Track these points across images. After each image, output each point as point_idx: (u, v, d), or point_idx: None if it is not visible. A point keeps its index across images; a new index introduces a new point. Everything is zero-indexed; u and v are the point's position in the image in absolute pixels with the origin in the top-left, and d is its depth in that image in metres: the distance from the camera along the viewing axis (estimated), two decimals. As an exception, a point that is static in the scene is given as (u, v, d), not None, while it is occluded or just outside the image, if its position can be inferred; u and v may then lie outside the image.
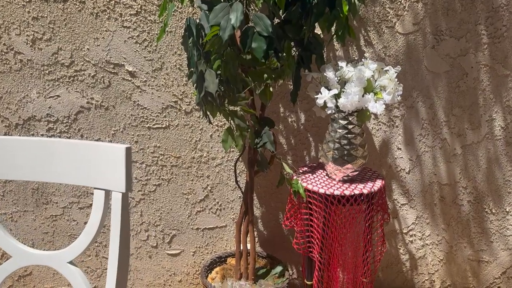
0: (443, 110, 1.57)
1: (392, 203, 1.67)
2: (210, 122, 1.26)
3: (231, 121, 1.22)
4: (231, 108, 1.22)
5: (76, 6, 1.43)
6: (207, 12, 1.12)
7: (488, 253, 1.72)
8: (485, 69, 1.53)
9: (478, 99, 1.57)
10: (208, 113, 1.22)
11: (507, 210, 1.67)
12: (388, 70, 1.21)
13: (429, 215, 1.68)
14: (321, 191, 1.25)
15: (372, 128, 1.59)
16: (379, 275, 1.73)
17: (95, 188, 0.85)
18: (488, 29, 1.49)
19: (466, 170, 1.63)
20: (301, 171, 1.42)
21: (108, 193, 0.84)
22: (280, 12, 1.18)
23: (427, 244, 1.71)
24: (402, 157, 1.62)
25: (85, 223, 1.60)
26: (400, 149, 1.61)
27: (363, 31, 1.49)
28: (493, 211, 1.67)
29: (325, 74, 1.20)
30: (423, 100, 1.56)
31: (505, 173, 1.63)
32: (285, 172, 1.32)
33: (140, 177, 1.58)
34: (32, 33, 1.44)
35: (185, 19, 1.35)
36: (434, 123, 1.59)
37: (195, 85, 1.19)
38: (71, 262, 0.86)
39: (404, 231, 1.69)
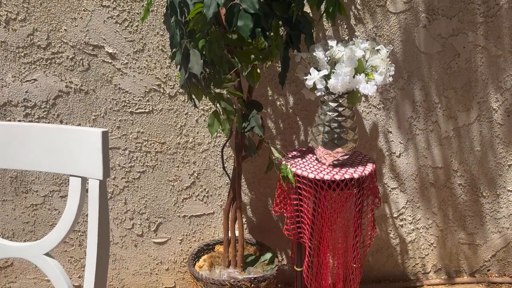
0: (434, 91, 1.54)
1: (382, 187, 1.64)
2: (195, 106, 1.21)
3: (217, 104, 1.17)
4: (217, 90, 1.17)
5: (52, -16, 1.35)
6: (189, -12, 1.05)
7: (478, 236, 1.71)
8: (478, 49, 1.50)
9: (470, 80, 1.53)
10: (193, 96, 1.17)
11: (498, 193, 1.66)
12: (379, 50, 1.16)
13: (420, 199, 1.66)
14: (311, 176, 1.21)
15: (362, 111, 1.55)
16: (369, 260, 1.71)
17: (70, 176, 0.79)
18: (481, 8, 1.45)
19: (457, 153, 1.61)
20: (290, 155, 1.38)
21: (84, 181, 0.79)
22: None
23: (417, 228, 1.69)
24: (392, 140, 1.59)
25: (67, 212, 1.54)
26: (390, 132, 1.58)
27: (353, 10, 1.44)
28: (484, 194, 1.66)
29: (314, 54, 1.15)
30: (414, 82, 1.52)
31: (497, 155, 1.61)
32: (273, 157, 1.28)
33: (124, 164, 1.52)
34: (6, 13, 1.36)
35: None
36: (426, 105, 1.55)
37: (178, 66, 1.13)
38: (47, 254, 0.81)
39: (395, 215, 1.67)
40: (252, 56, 1.14)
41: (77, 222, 0.86)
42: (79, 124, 1.47)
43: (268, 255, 1.45)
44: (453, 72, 1.52)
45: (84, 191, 0.80)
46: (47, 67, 1.41)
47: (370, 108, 1.54)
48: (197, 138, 1.52)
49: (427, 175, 1.63)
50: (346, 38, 1.46)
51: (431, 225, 1.68)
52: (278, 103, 1.52)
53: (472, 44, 1.49)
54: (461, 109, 1.56)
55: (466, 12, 1.46)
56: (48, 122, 1.46)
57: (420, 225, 1.68)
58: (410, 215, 1.67)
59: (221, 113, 1.19)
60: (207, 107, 1.50)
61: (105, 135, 0.76)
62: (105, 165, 0.76)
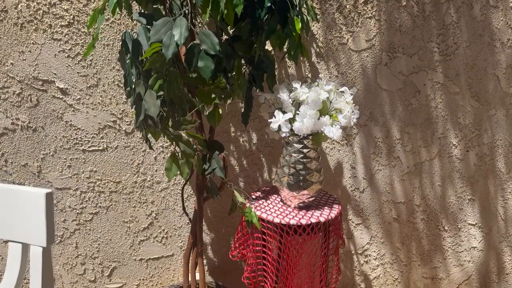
0: (396, 128, 1.54)
1: (346, 223, 1.61)
2: (151, 148, 1.14)
3: (176, 146, 1.10)
4: (175, 132, 1.11)
5: (-3, 15, 1.26)
6: (146, 26, 1.00)
7: (441, 270, 1.71)
8: (437, 86, 1.52)
9: (430, 117, 1.55)
10: (150, 136, 1.10)
11: (459, 226, 1.67)
12: (344, 92, 1.14)
13: (384, 234, 1.64)
14: (276, 220, 1.16)
15: (326, 147, 1.52)
16: (334, 298, 1.67)
17: (9, 241, 0.71)
18: (440, 47, 1.47)
19: (419, 188, 1.61)
20: (254, 196, 1.33)
21: (26, 247, 0.70)
22: (229, 28, 1.08)
23: (382, 263, 1.67)
24: (356, 176, 1.57)
25: (11, 258, 1.41)
26: (354, 168, 1.56)
27: (315, 47, 1.42)
28: (446, 228, 1.66)
29: (279, 95, 1.12)
30: (376, 118, 1.52)
31: (457, 189, 1.63)
32: (236, 199, 1.22)
33: (75, 206, 1.42)
34: None
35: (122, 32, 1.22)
36: (387, 141, 1.55)
37: (133, 106, 1.06)
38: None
39: (359, 252, 1.64)
40: (213, 95, 1.09)
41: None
42: (26, 164, 1.36)
43: (231, 301, 1.38)
44: (414, 108, 1.53)
45: (26, 257, 0.71)
46: (-10, 102, 1.31)
47: (333, 144, 1.52)
48: (155, 177, 1.45)
49: (390, 210, 1.62)
50: (309, 75, 1.44)
51: (395, 260, 1.67)
52: (241, 139, 1.47)
53: (432, 82, 1.51)
54: (422, 145, 1.57)
55: (426, 50, 1.47)
56: (-9, 162, 1.34)
57: (385, 260, 1.66)
58: (374, 251, 1.65)
59: (180, 156, 1.12)
60: (166, 144, 1.43)
61: (49, 197, 0.68)
62: (49, 230, 0.68)
